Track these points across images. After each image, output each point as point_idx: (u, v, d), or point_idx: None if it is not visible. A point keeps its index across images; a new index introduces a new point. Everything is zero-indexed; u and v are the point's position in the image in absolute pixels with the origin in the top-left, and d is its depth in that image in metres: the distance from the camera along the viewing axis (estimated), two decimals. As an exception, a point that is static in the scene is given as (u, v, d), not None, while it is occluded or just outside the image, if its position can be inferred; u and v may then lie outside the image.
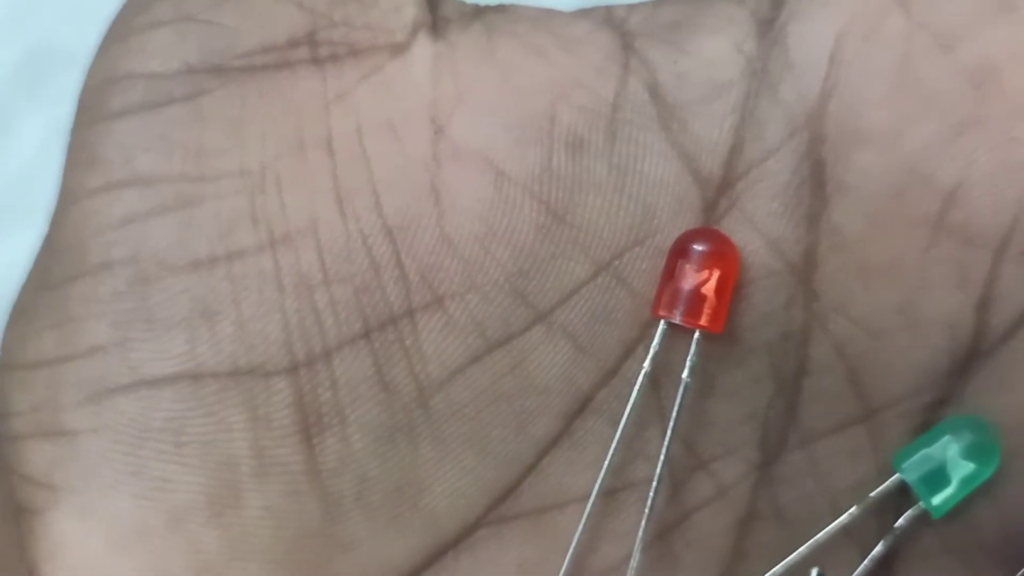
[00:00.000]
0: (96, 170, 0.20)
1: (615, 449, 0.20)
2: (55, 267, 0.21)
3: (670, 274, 0.19)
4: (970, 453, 0.18)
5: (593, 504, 0.20)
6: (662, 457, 0.19)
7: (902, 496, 0.19)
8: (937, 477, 0.18)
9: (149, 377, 0.20)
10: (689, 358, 0.19)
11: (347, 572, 0.20)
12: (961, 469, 0.18)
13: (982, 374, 0.19)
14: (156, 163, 0.20)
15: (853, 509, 0.19)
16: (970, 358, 0.19)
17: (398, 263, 0.19)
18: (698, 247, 0.19)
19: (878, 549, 0.18)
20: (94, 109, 0.21)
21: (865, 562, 0.18)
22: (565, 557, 0.20)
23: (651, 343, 0.19)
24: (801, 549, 0.19)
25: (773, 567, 0.19)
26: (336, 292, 0.19)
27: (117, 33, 0.21)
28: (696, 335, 0.19)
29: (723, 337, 0.19)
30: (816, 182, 0.19)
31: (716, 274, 0.19)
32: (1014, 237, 0.18)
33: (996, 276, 0.18)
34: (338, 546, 0.20)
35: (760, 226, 0.19)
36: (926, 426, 0.19)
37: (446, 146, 0.20)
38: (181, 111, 0.20)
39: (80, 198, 0.21)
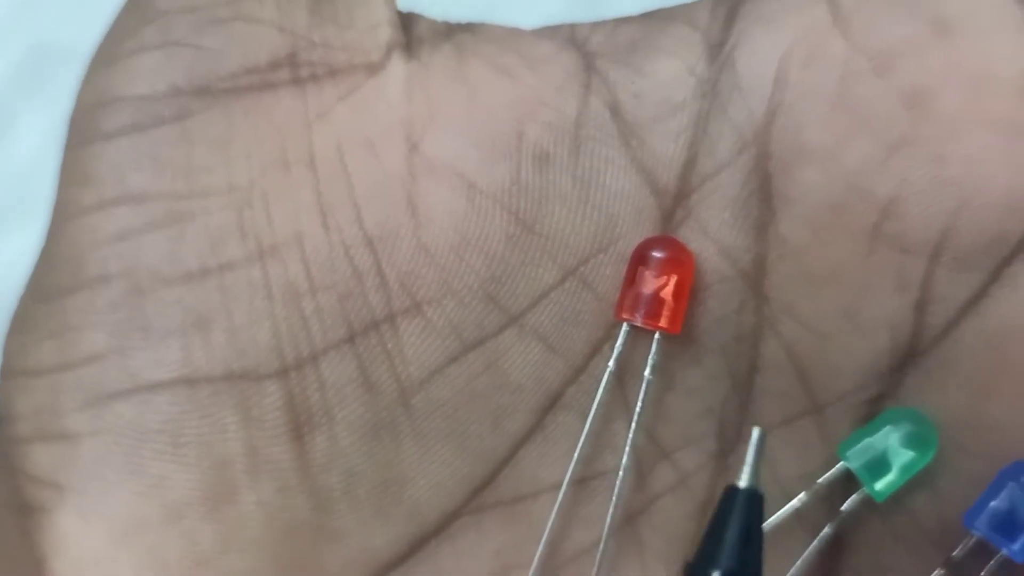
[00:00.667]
0: (89, 189, 0.21)
1: (584, 442, 0.21)
2: (53, 279, 0.22)
3: (631, 279, 0.20)
4: (909, 442, 0.19)
5: (565, 493, 0.21)
6: (628, 448, 0.21)
7: (848, 484, 0.20)
8: (879, 464, 0.20)
9: (146, 383, 0.21)
10: (650, 357, 0.20)
11: (336, 562, 0.21)
12: (901, 457, 0.19)
13: (920, 371, 0.20)
14: (147, 181, 0.21)
15: (802, 494, 0.20)
16: (909, 356, 0.20)
17: (379, 271, 0.21)
18: (657, 254, 0.20)
19: (826, 531, 0.20)
20: (85, 131, 0.22)
21: (814, 543, 0.20)
22: (539, 543, 0.21)
23: (616, 343, 0.21)
24: (755, 532, 0.20)
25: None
26: (321, 300, 0.21)
27: (105, 57, 0.22)
28: (656, 336, 0.20)
29: (681, 338, 0.21)
30: (764, 195, 0.20)
31: (674, 279, 0.20)
32: (946, 245, 0.19)
33: (932, 280, 0.20)
34: (327, 537, 0.21)
35: (713, 235, 0.20)
36: (869, 419, 0.20)
37: (420, 161, 0.21)
38: (170, 132, 0.21)
39: (75, 215, 0.22)
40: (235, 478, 0.21)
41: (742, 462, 0.18)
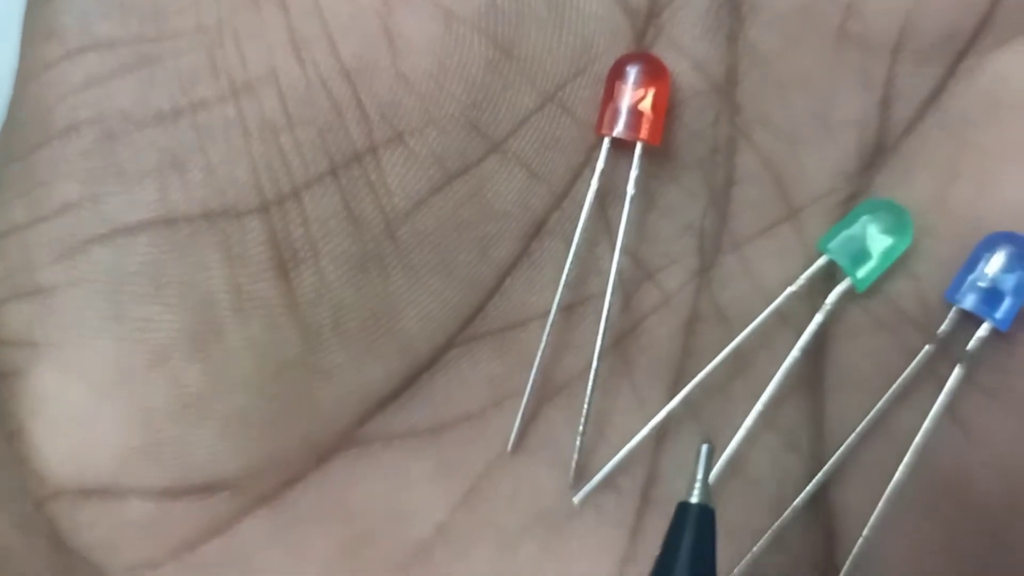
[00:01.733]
0: (55, 41, 0.21)
1: (570, 267, 0.21)
2: (19, 140, 0.21)
3: (610, 96, 0.21)
4: (887, 229, 0.20)
5: (553, 319, 0.21)
6: (614, 268, 0.21)
7: (827, 283, 0.21)
8: (860, 253, 0.20)
9: (123, 225, 0.20)
10: (633, 169, 0.21)
11: (329, 398, 0.21)
12: (880, 244, 0.20)
13: (888, 167, 0.21)
14: (114, 27, 0.21)
15: (788, 290, 0.21)
16: (877, 153, 0.21)
17: (358, 103, 0.21)
18: (633, 69, 0.21)
19: (815, 320, 0.20)
20: None
21: (804, 335, 0.20)
22: (530, 370, 0.21)
23: (596, 166, 0.21)
24: (743, 334, 0.21)
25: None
26: (300, 134, 0.21)
27: None
28: (638, 147, 0.21)
29: (659, 156, 0.21)
30: (732, 5, 0.21)
31: (651, 91, 0.21)
32: (905, 40, 0.20)
33: (895, 75, 0.21)
34: (318, 374, 0.21)
35: (686, 50, 0.21)
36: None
37: None
38: None
39: (40, 70, 0.21)
40: (220, 316, 0.20)
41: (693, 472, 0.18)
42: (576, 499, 0.21)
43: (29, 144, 0.21)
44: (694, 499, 0.18)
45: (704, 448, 0.18)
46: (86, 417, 0.20)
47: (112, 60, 0.21)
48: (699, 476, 0.18)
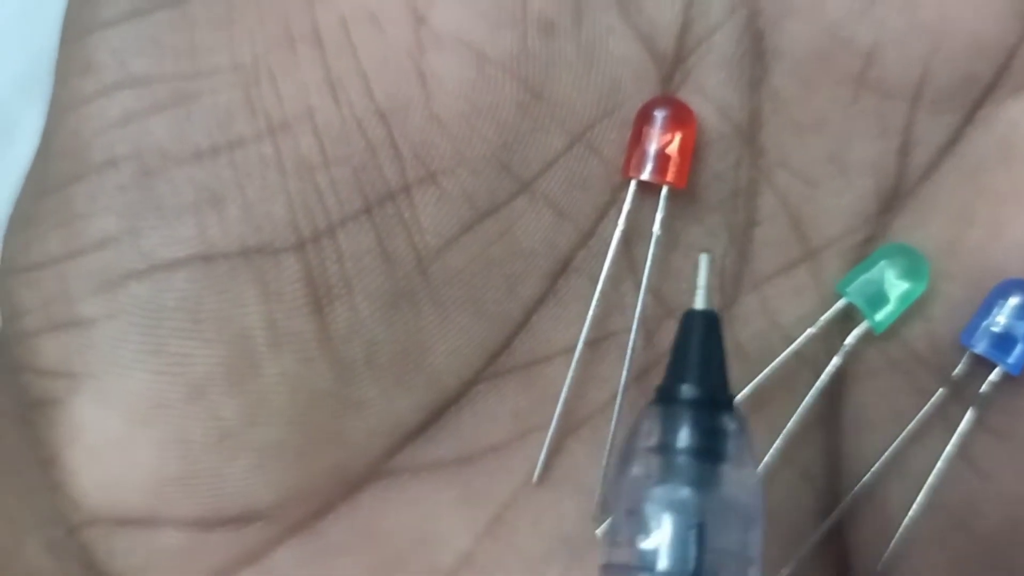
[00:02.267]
0: (91, 76, 0.21)
1: (596, 303, 0.22)
2: (55, 172, 0.22)
3: (637, 139, 0.21)
4: (904, 273, 0.21)
5: (579, 355, 0.22)
6: (639, 305, 0.22)
7: (844, 324, 0.22)
8: (877, 296, 0.21)
9: (162, 261, 0.21)
10: (659, 211, 0.21)
11: (359, 431, 0.22)
12: (897, 288, 0.21)
13: (905, 211, 0.22)
14: (150, 65, 0.21)
15: (808, 331, 0.21)
16: (894, 198, 0.22)
17: (392, 143, 0.21)
18: (660, 113, 0.21)
19: (833, 363, 0.21)
20: (84, 21, 0.22)
21: (822, 376, 0.21)
22: (555, 405, 0.22)
23: (623, 206, 0.22)
24: (762, 374, 0.21)
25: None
26: (336, 173, 0.21)
27: None
28: (664, 190, 0.21)
29: (683, 198, 0.22)
30: (756, 52, 0.21)
31: (678, 136, 0.21)
32: (924, 89, 0.21)
33: (912, 122, 0.21)
34: (350, 407, 0.21)
35: (710, 94, 0.22)
36: (859, 262, 0.22)
37: (427, 34, 0.21)
38: (170, 15, 0.21)
39: (76, 104, 0.21)
40: (256, 351, 0.21)
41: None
42: (599, 531, 0.22)
43: (65, 177, 0.21)
44: (698, 305, 0.19)
45: (704, 257, 0.19)
46: (123, 447, 0.21)
47: (148, 97, 0.21)
48: (701, 284, 0.19)
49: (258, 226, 0.21)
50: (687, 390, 0.18)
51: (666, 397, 0.18)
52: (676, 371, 0.18)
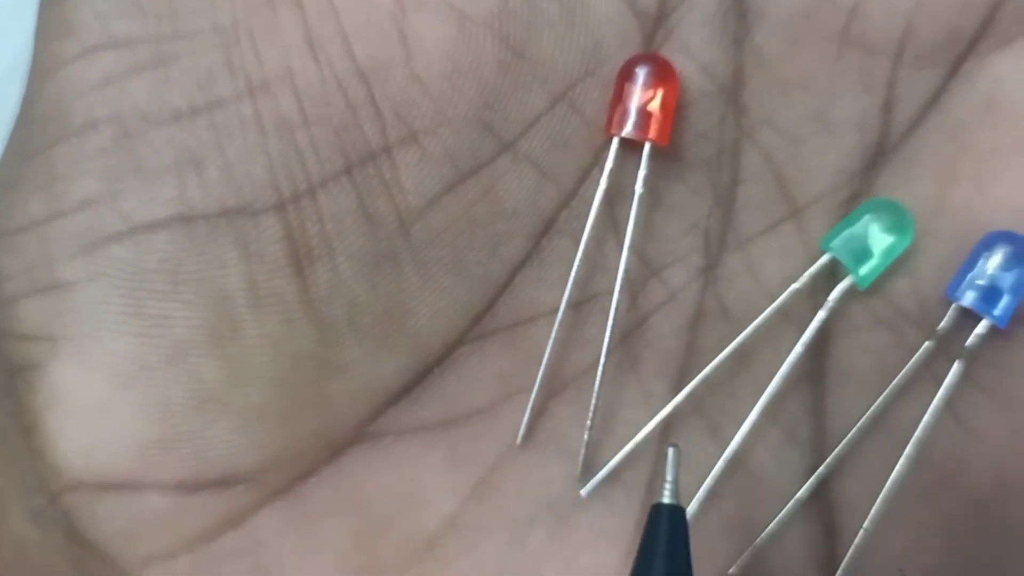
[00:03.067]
0: (71, 38, 0.21)
1: (578, 265, 0.22)
2: (35, 136, 0.21)
3: (619, 96, 0.21)
4: (888, 228, 0.21)
5: (562, 316, 0.22)
6: (622, 266, 0.21)
7: (828, 280, 0.22)
8: (862, 251, 0.21)
9: (142, 222, 0.21)
10: (641, 169, 0.21)
11: (342, 393, 0.21)
12: (881, 242, 0.21)
13: (889, 168, 0.22)
14: (130, 26, 0.21)
15: (791, 287, 0.21)
16: (878, 154, 0.22)
17: (373, 103, 0.21)
18: (642, 69, 0.21)
19: (817, 318, 0.21)
20: None
21: (807, 331, 0.21)
22: (539, 366, 0.22)
23: (604, 166, 0.22)
24: (747, 331, 0.21)
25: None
26: (316, 133, 0.21)
27: None
28: (647, 147, 0.21)
29: (666, 156, 0.22)
30: (739, 9, 0.21)
31: (660, 92, 0.21)
32: (907, 44, 0.21)
33: (896, 78, 0.21)
34: (333, 369, 0.21)
35: (693, 52, 0.22)
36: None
37: None
38: None
39: (56, 67, 0.21)
40: (237, 313, 0.21)
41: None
42: (584, 492, 0.22)
43: (46, 140, 0.21)
44: (665, 500, 0.19)
45: (671, 452, 0.19)
46: (103, 411, 0.21)
47: (129, 59, 0.21)
48: (669, 478, 0.19)
49: (238, 187, 0.21)
50: None
51: None
52: (643, 568, 0.18)
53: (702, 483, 0.21)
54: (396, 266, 0.21)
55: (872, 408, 0.21)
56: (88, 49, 0.21)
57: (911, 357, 0.21)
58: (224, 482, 0.21)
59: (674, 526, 0.18)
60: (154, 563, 0.21)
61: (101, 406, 0.21)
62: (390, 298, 0.21)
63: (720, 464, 0.21)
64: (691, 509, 0.21)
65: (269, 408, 0.21)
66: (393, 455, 0.22)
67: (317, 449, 0.22)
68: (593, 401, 0.22)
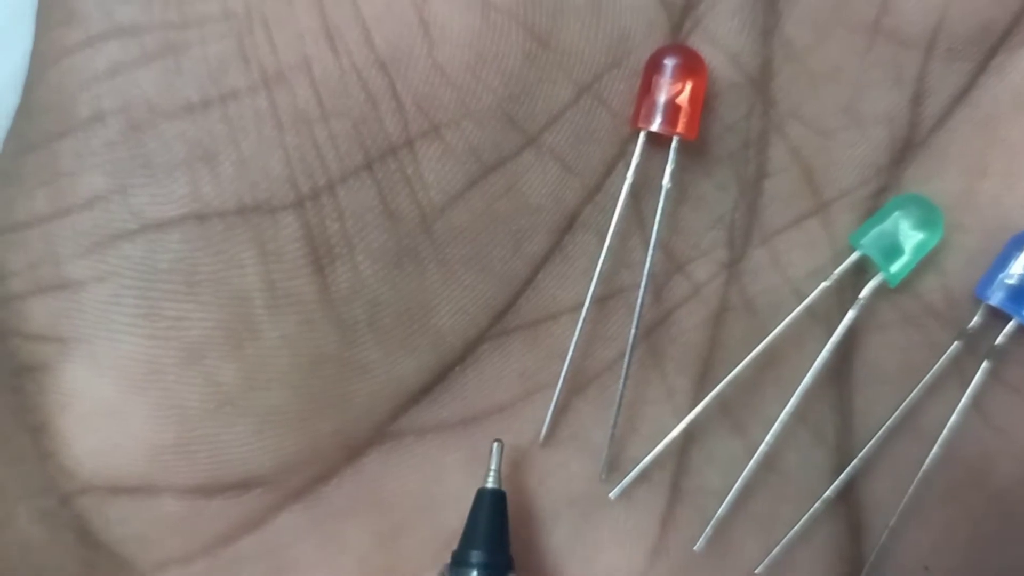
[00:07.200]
0: (75, 26, 0.20)
1: (603, 260, 0.21)
2: (38, 128, 0.21)
3: (646, 89, 0.21)
4: (918, 224, 0.21)
5: (586, 312, 0.21)
6: (648, 261, 0.21)
7: (856, 277, 0.21)
8: (892, 248, 0.21)
9: (153, 221, 0.20)
10: (668, 163, 0.21)
11: (363, 394, 0.21)
12: (911, 239, 0.21)
13: (918, 162, 0.21)
14: (136, 13, 0.20)
15: (821, 285, 0.21)
16: (907, 148, 0.21)
17: (394, 94, 0.20)
18: (671, 61, 0.21)
19: (848, 316, 0.21)
20: None
21: (838, 330, 0.21)
22: (562, 363, 0.21)
23: (630, 160, 0.21)
24: (775, 331, 0.21)
25: (746, 353, 0.21)
26: (335, 126, 0.20)
27: None
28: (674, 141, 0.21)
29: (692, 150, 0.21)
30: (769, 0, 0.21)
31: (689, 85, 0.21)
32: (939, 36, 0.21)
33: (927, 72, 0.21)
34: (354, 369, 0.21)
35: (721, 43, 0.21)
36: (871, 214, 0.21)
37: None
38: None
39: (60, 57, 0.20)
40: (255, 314, 0.20)
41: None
42: (612, 494, 0.21)
43: (50, 132, 0.20)
44: (489, 485, 0.21)
45: (495, 445, 0.21)
46: (115, 414, 0.20)
47: (136, 47, 0.20)
48: (492, 467, 0.21)
49: (254, 183, 0.20)
50: (476, 555, 0.21)
51: (459, 561, 0.21)
52: (468, 540, 0.21)
53: (727, 480, 0.21)
54: (418, 264, 0.21)
55: (900, 408, 0.21)
56: (93, 37, 0.20)
57: (938, 355, 0.21)
58: (242, 485, 0.21)
59: (494, 507, 0.21)
60: (170, 567, 0.21)
61: (113, 409, 0.20)
62: (411, 297, 0.21)
63: (751, 466, 0.21)
64: (720, 509, 0.21)
65: (288, 410, 0.20)
66: (414, 455, 0.21)
67: (337, 450, 0.21)
68: (618, 398, 0.21)
